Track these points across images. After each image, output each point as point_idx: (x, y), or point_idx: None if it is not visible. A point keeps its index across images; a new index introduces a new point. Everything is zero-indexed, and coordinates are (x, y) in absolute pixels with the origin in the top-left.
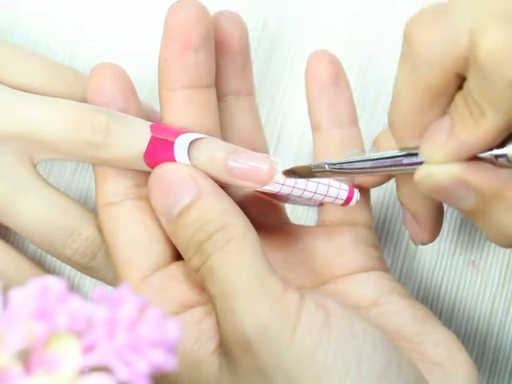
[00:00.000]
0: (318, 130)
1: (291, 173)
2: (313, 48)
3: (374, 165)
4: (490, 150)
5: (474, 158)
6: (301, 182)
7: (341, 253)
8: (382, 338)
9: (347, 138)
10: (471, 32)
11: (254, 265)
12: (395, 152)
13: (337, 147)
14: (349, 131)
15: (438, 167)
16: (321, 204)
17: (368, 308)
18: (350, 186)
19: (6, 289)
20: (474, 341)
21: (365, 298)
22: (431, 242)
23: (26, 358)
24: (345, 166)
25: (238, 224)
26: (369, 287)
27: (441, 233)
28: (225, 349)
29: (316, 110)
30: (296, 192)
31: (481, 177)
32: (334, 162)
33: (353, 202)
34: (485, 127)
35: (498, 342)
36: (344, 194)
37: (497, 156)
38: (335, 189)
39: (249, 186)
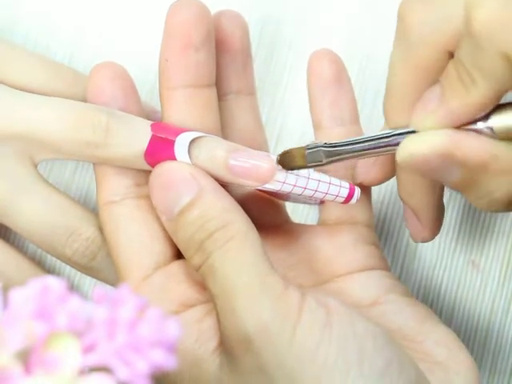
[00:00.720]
0: (320, 129)
1: (285, 155)
2: (313, 48)
3: (367, 147)
4: (475, 123)
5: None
6: (301, 181)
7: (342, 252)
8: (382, 336)
9: (349, 137)
10: (466, 3)
11: (254, 263)
12: (389, 131)
13: None
14: (350, 129)
15: (423, 141)
16: (322, 202)
17: (369, 307)
18: (350, 184)
19: (5, 289)
20: (474, 341)
21: (366, 297)
22: (432, 239)
23: (26, 358)
24: (338, 149)
25: (239, 222)
26: (370, 286)
27: (441, 232)
28: (226, 347)
29: (318, 108)
30: (297, 190)
31: (466, 149)
32: (328, 142)
33: (353, 200)
34: (475, 95)
35: (497, 342)
36: (345, 192)
37: (481, 129)
38: (336, 187)
39: (249, 184)
